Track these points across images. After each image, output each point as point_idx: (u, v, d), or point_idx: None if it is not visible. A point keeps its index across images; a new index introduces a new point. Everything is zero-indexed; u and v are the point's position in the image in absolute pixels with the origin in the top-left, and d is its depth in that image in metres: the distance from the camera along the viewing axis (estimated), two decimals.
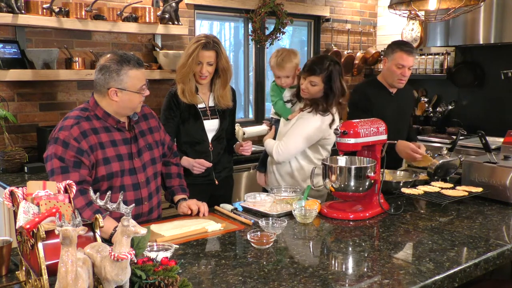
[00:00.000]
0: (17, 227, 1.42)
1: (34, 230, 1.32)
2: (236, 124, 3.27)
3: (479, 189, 2.50)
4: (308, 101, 2.74)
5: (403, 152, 2.87)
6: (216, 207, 2.37)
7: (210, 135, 2.80)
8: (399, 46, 3.01)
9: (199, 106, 2.76)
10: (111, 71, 2.01)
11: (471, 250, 1.84)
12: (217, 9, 4.36)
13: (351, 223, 2.18)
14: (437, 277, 1.59)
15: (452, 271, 1.64)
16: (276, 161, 2.78)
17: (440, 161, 2.73)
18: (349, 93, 2.88)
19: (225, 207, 2.34)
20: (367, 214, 2.23)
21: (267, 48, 4.72)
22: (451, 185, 2.58)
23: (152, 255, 1.58)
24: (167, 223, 2.13)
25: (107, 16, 3.49)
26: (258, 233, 1.88)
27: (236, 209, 2.33)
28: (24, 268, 1.50)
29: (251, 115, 4.93)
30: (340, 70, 2.72)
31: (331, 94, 2.68)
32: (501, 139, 2.77)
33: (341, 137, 2.26)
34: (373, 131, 2.29)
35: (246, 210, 2.33)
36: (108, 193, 1.41)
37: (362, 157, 2.37)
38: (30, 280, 1.43)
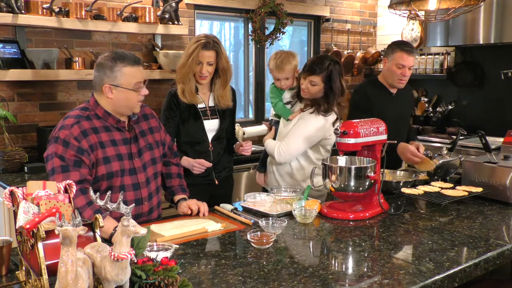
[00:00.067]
0: (17, 227, 1.42)
1: (34, 230, 1.32)
2: (236, 124, 3.27)
3: (479, 189, 2.50)
4: (309, 102, 2.75)
5: (403, 155, 2.87)
6: (216, 207, 2.37)
7: (210, 135, 2.80)
8: (399, 46, 3.01)
9: (199, 106, 2.76)
10: (105, 67, 2.02)
11: (471, 250, 1.84)
12: (217, 9, 4.36)
13: (351, 223, 2.18)
14: (437, 277, 1.59)
15: (452, 271, 1.65)
16: (278, 162, 2.78)
17: (440, 161, 2.73)
18: (349, 93, 2.88)
19: (225, 207, 2.34)
20: (367, 214, 2.23)
21: (267, 48, 4.72)
22: (451, 185, 2.59)
23: (152, 255, 1.58)
24: (167, 223, 2.13)
25: (107, 16, 3.49)
26: (258, 233, 1.88)
27: (236, 209, 2.33)
28: (24, 268, 1.50)
29: (251, 115, 4.93)
30: (340, 70, 2.72)
31: (331, 94, 2.68)
32: (501, 139, 2.77)
33: (341, 137, 2.26)
34: (373, 131, 2.29)
35: (246, 210, 2.33)
36: (108, 193, 1.40)
37: (362, 157, 2.37)
38: (30, 280, 1.43)
